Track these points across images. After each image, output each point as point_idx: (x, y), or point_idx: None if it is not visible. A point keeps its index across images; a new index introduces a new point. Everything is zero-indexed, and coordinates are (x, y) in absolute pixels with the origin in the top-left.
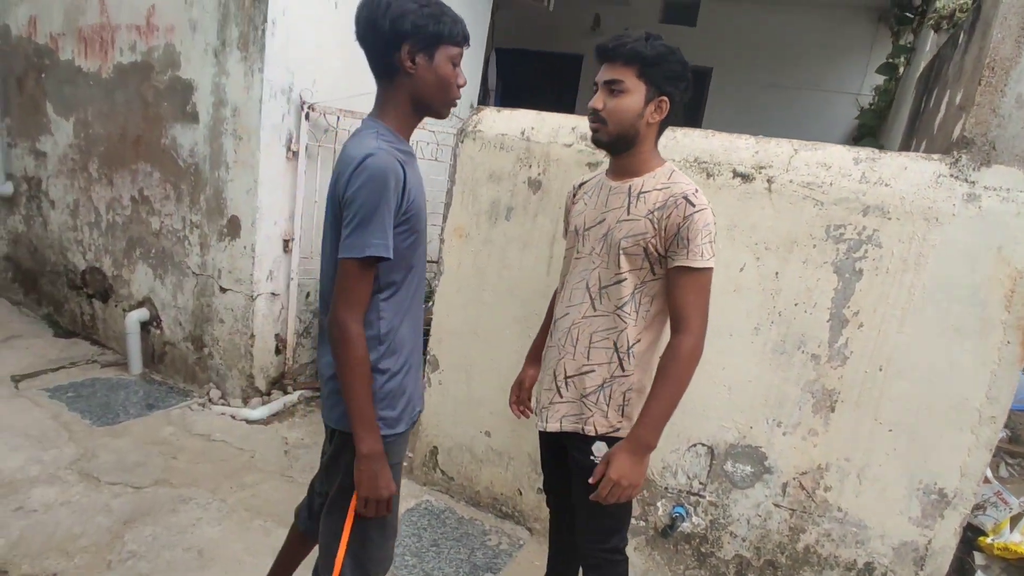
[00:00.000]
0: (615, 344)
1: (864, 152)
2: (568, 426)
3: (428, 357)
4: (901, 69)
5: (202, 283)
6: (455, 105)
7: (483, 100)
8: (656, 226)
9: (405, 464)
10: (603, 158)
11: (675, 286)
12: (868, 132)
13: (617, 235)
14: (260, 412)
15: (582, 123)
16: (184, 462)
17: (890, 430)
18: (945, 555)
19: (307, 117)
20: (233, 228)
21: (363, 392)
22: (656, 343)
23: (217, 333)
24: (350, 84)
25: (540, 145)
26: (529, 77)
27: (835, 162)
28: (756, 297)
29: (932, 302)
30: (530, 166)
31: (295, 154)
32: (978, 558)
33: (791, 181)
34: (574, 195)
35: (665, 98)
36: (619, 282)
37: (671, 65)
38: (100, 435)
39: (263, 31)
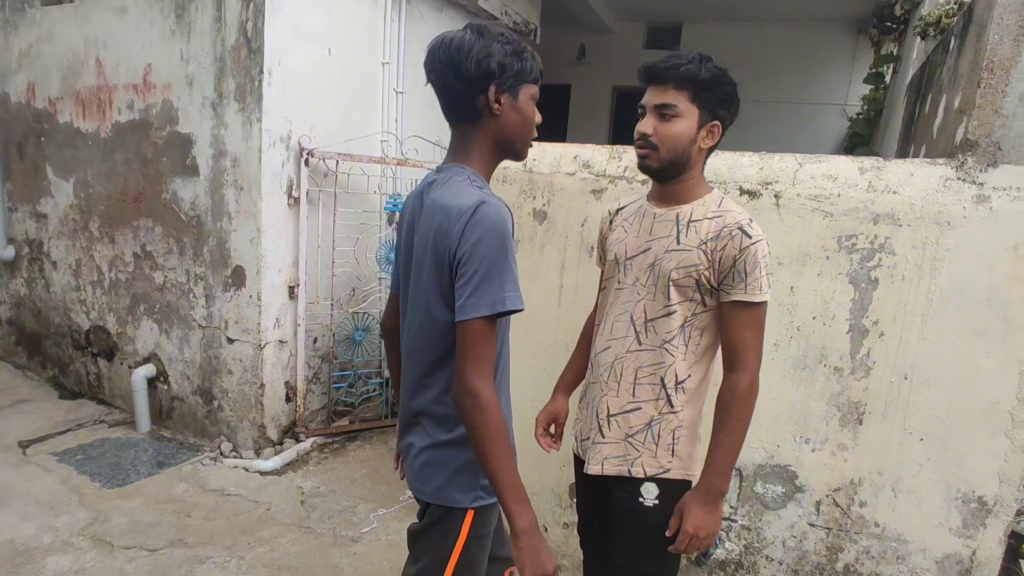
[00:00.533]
0: (662, 380)
1: (869, 161)
2: (611, 469)
3: None
4: (887, 78)
5: (209, 335)
6: (531, 146)
7: None
8: (710, 257)
9: None
10: (608, 185)
11: (731, 320)
12: (861, 141)
13: (666, 266)
14: (273, 463)
15: (584, 152)
16: (198, 519)
17: (921, 439)
18: (991, 566)
19: (307, 163)
20: (238, 278)
21: (509, 462)
22: (706, 379)
23: (226, 384)
24: (347, 128)
25: (543, 176)
26: None
27: (841, 173)
28: (773, 313)
29: (952, 306)
30: (534, 197)
31: (296, 200)
32: None
33: (798, 195)
34: (611, 221)
35: (718, 122)
36: (668, 315)
37: (725, 88)
38: (111, 497)
39: (260, 82)
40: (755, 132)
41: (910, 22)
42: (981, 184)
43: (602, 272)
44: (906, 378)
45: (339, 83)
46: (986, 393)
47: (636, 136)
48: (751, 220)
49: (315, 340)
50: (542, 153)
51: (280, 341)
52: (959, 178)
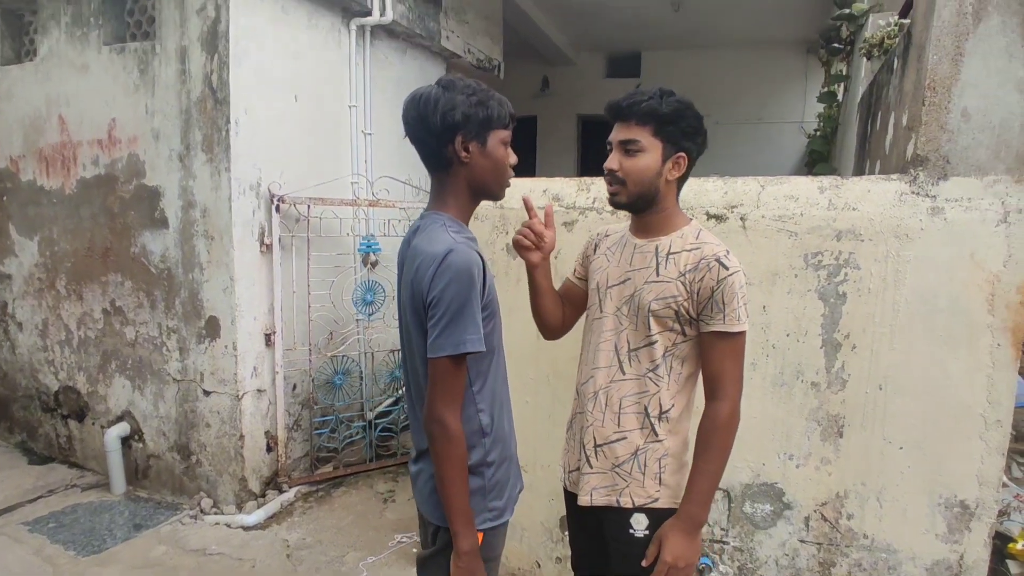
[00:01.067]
0: (646, 409)
1: (827, 180)
2: (600, 499)
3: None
4: (839, 96)
5: (184, 389)
6: (507, 186)
7: None
8: (688, 289)
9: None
10: (578, 216)
11: (711, 350)
12: (820, 158)
13: (646, 297)
14: (256, 516)
15: (553, 185)
16: None
17: (900, 448)
18: (979, 569)
19: (277, 209)
20: (212, 328)
21: (464, 487)
22: (689, 407)
23: (204, 438)
24: (317, 172)
25: (514, 211)
26: None
27: (801, 193)
28: (749, 333)
29: (917, 316)
30: (506, 232)
31: (269, 247)
32: (1012, 567)
33: (763, 216)
34: (596, 245)
35: (683, 154)
36: (650, 344)
37: (688, 120)
38: (87, 565)
39: (227, 132)
40: (718, 153)
41: (856, 43)
42: (934, 197)
43: (568, 280)
44: (881, 388)
45: (307, 128)
46: (958, 398)
47: (605, 172)
48: (728, 252)
49: (294, 387)
50: (512, 188)
51: (258, 390)
52: (913, 192)
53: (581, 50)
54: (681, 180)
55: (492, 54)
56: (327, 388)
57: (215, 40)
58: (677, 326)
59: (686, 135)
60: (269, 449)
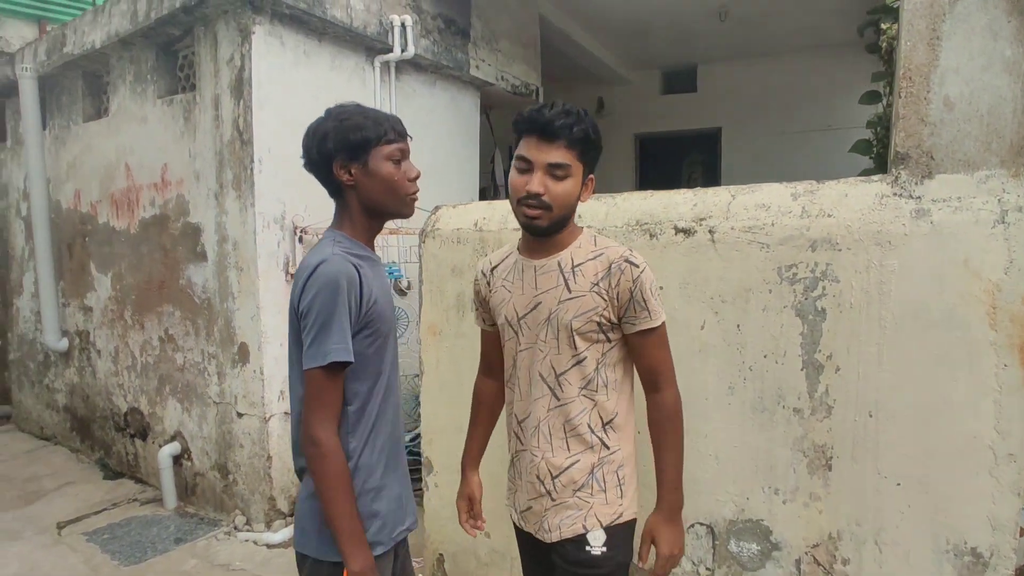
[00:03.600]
0: (590, 426)
1: (802, 186)
2: (568, 531)
3: (423, 460)
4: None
5: (222, 411)
6: (414, 199)
7: (494, 195)
8: (605, 297)
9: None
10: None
11: (643, 348)
12: (880, 162)
13: (564, 316)
14: (282, 534)
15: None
16: None
17: (898, 484)
18: None
19: (300, 240)
20: (243, 354)
21: (348, 506)
22: (630, 409)
23: (239, 459)
24: None
25: (492, 233)
26: None
27: (773, 201)
28: (723, 354)
29: (907, 332)
30: (486, 254)
31: (293, 276)
32: None
33: (732, 228)
34: (487, 281)
35: (592, 176)
36: (579, 363)
37: (600, 143)
38: (125, 575)
39: (251, 170)
40: (787, 165)
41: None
42: (919, 198)
43: (484, 333)
44: (871, 415)
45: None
46: (961, 427)
47: (522, 194)
48: (631, 250)
49: None
50: (491, 211)
51: (285, 413)
52: (895, 194)
53: (635, 68)
54: None
55: (528, 80)
56: None
57: (241, 87)
58: (602, 336)
59: (596, 158)
60: None
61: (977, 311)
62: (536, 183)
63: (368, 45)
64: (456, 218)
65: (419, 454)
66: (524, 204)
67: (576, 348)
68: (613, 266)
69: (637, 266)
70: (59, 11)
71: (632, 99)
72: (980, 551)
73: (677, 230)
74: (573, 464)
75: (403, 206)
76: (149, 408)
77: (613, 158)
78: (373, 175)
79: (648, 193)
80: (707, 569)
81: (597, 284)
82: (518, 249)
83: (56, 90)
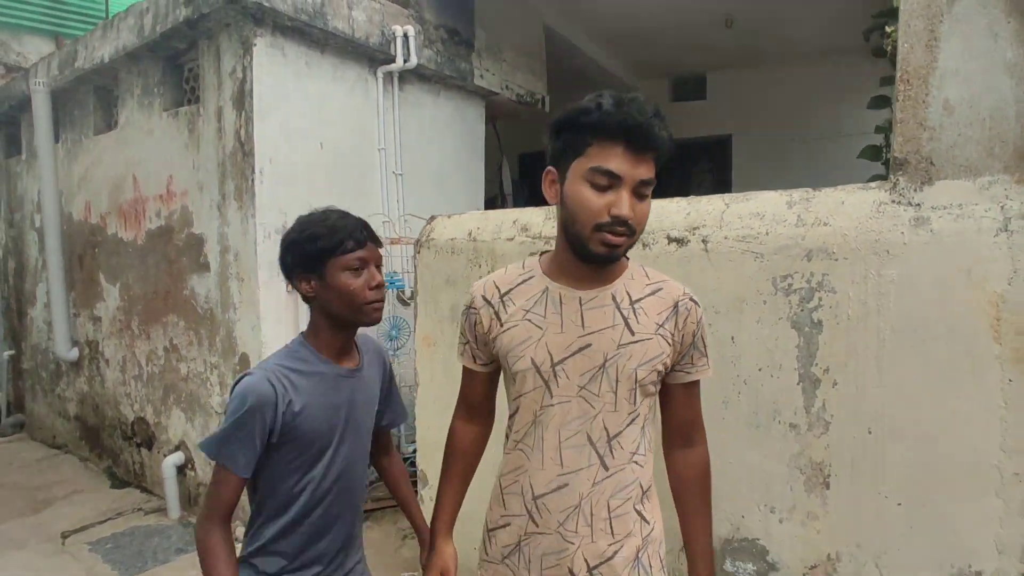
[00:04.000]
0: (633, 500)
1: (797, 193)
2: None
3: (419, 472)
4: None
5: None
6: (375, 308)
7: (501, 204)
8: (671, 340)
9: None
10: (545, 246)
11: (690, 398)
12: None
13: (628, 364)
14: None
15: (523, 215)
16: None
17: (899, 504)
18: None
19: None
20: (244, 364)
21: None
22: (652, 464)
23: None
24: None
25: (486, 243)
26: None
27: (768, 209)
28: (716, 367)
29: (907, 345)
30: (479, 265)
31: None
32: None
33: (726, 237)
34: (497, 310)
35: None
36: (632, 422)
37: None
38: None
39: (252, 181)
40: (796, 171)
41: None
42: (918, 205)
43: (471, 374)
44: (870, 432)
45: (333, 172)
46: (965, 445)
47: (605, 219)
48: (685, 286)
49: None
50: (485, 221)
51: None
52: (893, 201)
53: (643, 76)
54: None
55: (534, 89)
56: None
57: (243, 99)
58: (654, 388)
59: None
60: None
61: (981, 323)
62: (627, 205)
63: (371, 56)
64: (451, 228)
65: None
66: (607, 230)
67: (635, 404)
68: (681, 305)
69: (698, 304)
70: (75, 27)
71: None
72: (985, 575)
73: (670, 239)
74: (618, 551)
75: (363, 316)
76: (155, 418)
77: None
78: (330, 287)
79: None
80: None
81: (662, 326)
82: (545, 274)
83: (69, 104)
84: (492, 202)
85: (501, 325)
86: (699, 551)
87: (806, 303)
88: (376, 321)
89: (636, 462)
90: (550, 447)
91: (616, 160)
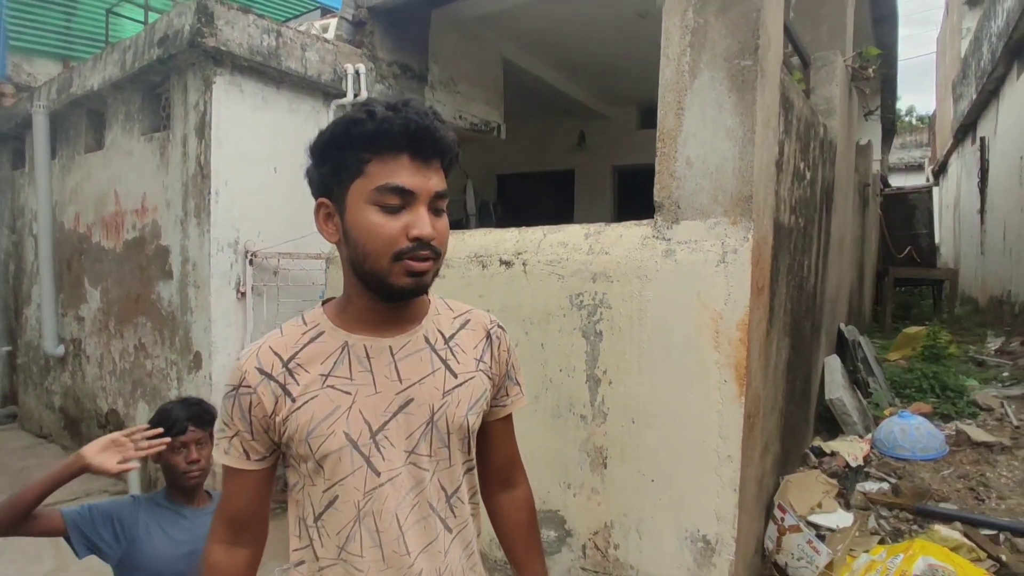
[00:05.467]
0: (475, 550)
1: (593, 227)
2: None
3: None
4: None
5: None
6: (192, 478)
7: (466, 225)
8: (490, 374)
9: None
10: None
11: (507, 433)
12: None
13: (458, 412)
14: None
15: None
16: None
17: (652, 480)
18: None
19: (251, 263)
20: (197, 362)
21: None
22: None
23: None
24: (296, 229)
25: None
26: (529, 196)
27: (571, 239)
28: (531, 368)
29: (657, 352)
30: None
31: (243, 294)
32: None
33: (539, 261)
34: (283, 387)
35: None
36: (468, 472)
37: None
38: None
39: (208, 200)
40: None
41: None
42: (668, 239)
43: (238, 477)
44: (634, 422)
45: (286, 193)
46: (695, 433)
47: (405, 244)
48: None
49: None
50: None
51: None
52: (654, 236)
53: (612, 104)
54: None
55: (489, 117)
56: None
57: (203, 128)
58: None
59: None
60: None
61: (706, 335)
62: (427, 223)
63: (324, 90)
64: None
65: None
66: (409, 257)
67: (469, 452)
68: (492, 334)
69: (503, 328)
70: (82, 51)
71: (611, 133)
72: (709, 538)
73: (501, 262)
74: None
75: (182, 484)
76: (124, 409)
77: (592, 188)
78: (165, 461)
79: (487, 230)
80: None
81: (481, 359)
82: (339, 326)
83: (65, 124)
84: (458, 223)
85: (293, 401)
86: None
87: (592, 316)
88: (190, 488)
89: (473, 514)
90: (390, 538)
91: (404, 173)
